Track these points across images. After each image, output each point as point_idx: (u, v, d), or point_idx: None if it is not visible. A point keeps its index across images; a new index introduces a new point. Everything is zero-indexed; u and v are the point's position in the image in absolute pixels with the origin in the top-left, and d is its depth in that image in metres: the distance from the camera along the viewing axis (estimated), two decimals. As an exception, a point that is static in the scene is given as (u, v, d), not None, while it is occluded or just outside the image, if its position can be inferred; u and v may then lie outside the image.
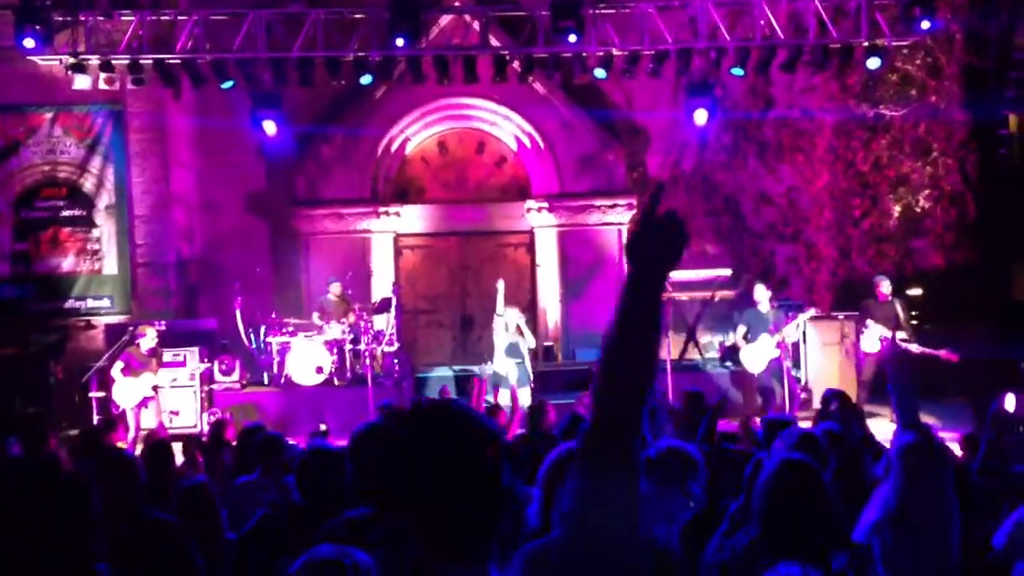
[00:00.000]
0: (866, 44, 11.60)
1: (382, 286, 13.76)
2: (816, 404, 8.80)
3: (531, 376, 10.79)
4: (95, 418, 10.45)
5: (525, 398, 9.80)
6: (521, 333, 10.87)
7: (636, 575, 1.61)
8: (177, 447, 7.09)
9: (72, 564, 2.68)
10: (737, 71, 11.87)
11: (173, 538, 3.41)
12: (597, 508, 1.60)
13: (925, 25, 11.14)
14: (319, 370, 11.53)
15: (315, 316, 12.03)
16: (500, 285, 11.14)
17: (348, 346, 11.85)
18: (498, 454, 1.57)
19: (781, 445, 4.18)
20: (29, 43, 10.93)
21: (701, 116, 11.97)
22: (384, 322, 12.44)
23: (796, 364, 11.47)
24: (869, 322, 10.69)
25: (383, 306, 12.47)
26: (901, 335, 10.30)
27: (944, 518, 3.34)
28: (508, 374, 10.56)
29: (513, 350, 10.75)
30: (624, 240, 14.46)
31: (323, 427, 8.58)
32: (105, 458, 4.31)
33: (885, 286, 10.91)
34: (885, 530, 3.27)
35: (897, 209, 14.12)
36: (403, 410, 1.65)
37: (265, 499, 4.23)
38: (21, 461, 6.01)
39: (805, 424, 5.56)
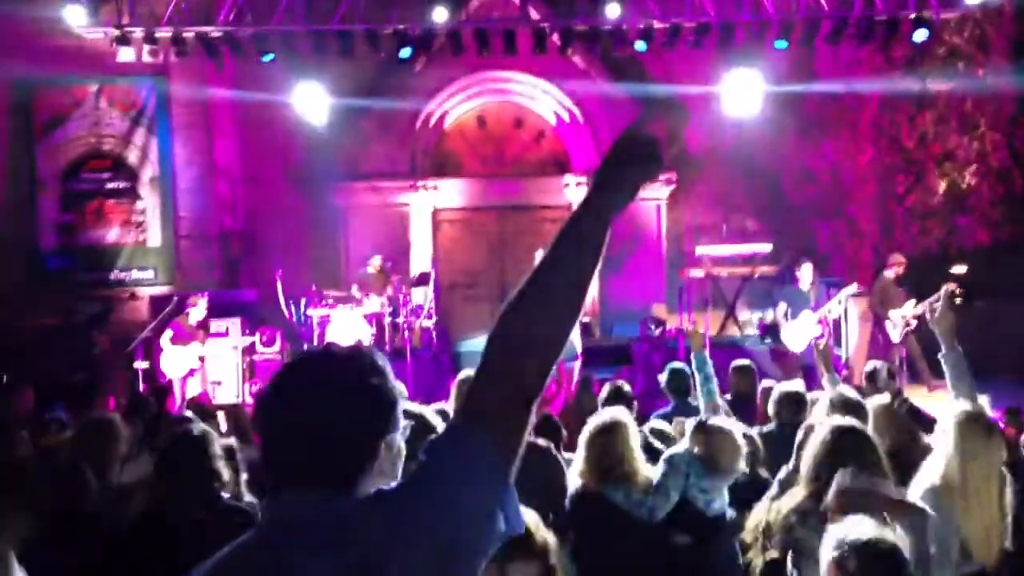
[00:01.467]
0: (913, 16, 11.39)
1: (420, 260, 13.80)
2: (856, 380, 8.73)
3: (578, 351, 10.68)
4: (141, 387, 10.61)
5: (573, 372, 9.80)
6: None
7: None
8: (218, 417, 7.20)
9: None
10: (780, 44, 11.71)
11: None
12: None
13: (973, 1, 10.92)
14: (358, 343, 11.59)
15: (354, 288, 12.11)
16: (540, 255, 11.06)
17: (387, 319, 11.92)
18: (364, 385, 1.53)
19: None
20: (74, 16, 11.07)
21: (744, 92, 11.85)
22: (422, 296, 12.50)
23: (837, 341, 11.36)
24: (891, 312, 10.66)
25: (422, 280, 12.53)
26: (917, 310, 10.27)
27: (995, 490, 3.31)
28: None
29: None
30: (657, 213, 14.39)
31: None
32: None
33: (899, 267, 10.92)
34: (935, 500, 3.25)
35: (942, 185, 13.87)
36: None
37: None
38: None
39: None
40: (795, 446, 3.64)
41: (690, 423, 4.36)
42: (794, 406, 5.03)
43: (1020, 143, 13.68)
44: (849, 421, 3.23)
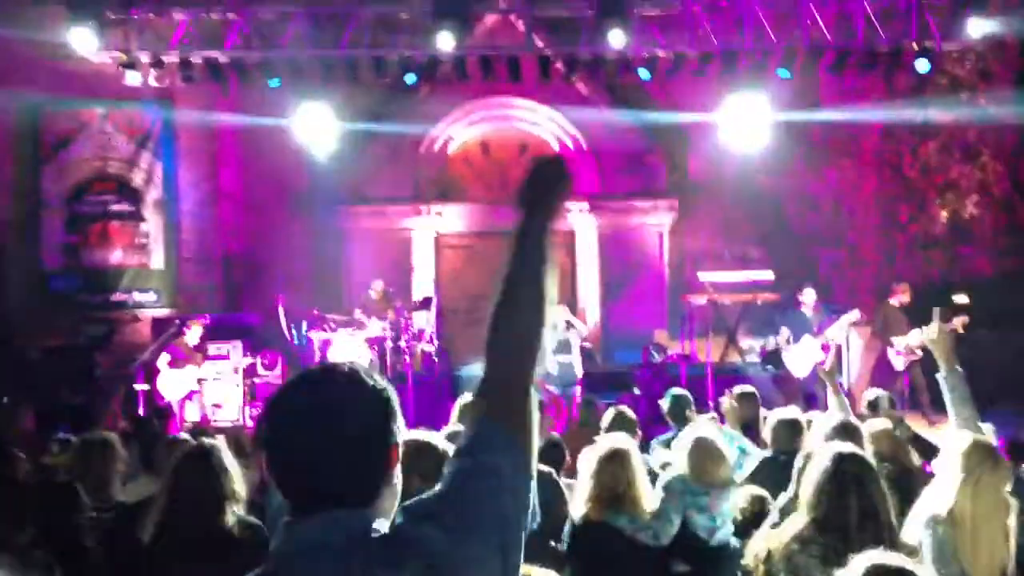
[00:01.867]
0: (915, 47, 11.46)
1: (423, 284, 13.82)
2: (857, 408, 8.71)
3: (579, 376, 10.68)
4: (140, 410, 10.59)
5: (575, 397, 9.81)
6: (570, 326, 10.79)
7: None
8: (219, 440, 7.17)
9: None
10: (783, 72, 11.78)
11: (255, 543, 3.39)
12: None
13: (976, 33, 10.98)
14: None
15: (357, 312, 12.12)
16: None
17: (389, 343, 11.92)
18: (371, 409, 1.57)
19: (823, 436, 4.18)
20: (81, 40, 11.15)
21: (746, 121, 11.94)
22: (424, 320, 12.50)
23: (839, 368, 11.35)
24: (894, 340, 10.66)
25: (424, 304, 12.54)
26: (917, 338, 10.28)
27: (1002, 519, 3.29)
28: (557, 372, 10.52)
29: (563, 347, 10.68)
30: (660, 240, 14.40)
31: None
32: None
33: (904, 296, 10.93)
34: (939, 527, 3.23)
35: (945, 214, 13.90)
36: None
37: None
38: None
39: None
40: (795, 472, 3.62)
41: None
42: (791, 432, 5.01)
43: (1022, 173, 13.71)
44: (850, 447, 3.22)
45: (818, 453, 3.17)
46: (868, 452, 3.74)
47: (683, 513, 4.05)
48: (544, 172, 1.84)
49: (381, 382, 1.62)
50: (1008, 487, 3.34)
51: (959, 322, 9.45)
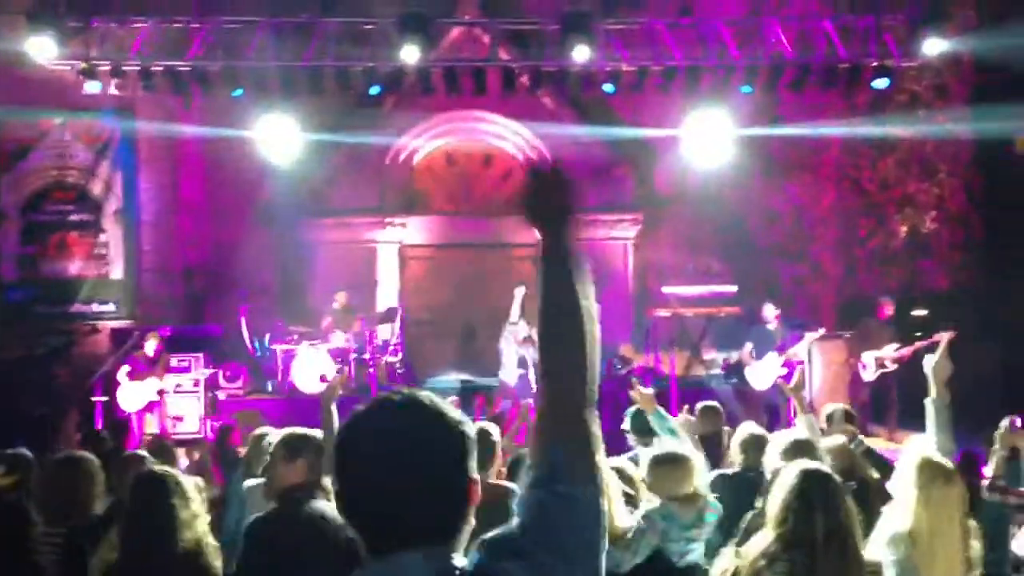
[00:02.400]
0: (874, 64, 11.66)
1: (387, 296, 13.76)
2: (821, 423, 8.80)
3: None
4: (98, 422, 10.43)
5: (530, 409, 9.78)
6: (532, 343, 10.79)
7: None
8: (179, 452, 7.09)
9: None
10: (746, 89, 11.92)
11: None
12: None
13: (932, 51, 11.21)
14: (323, 378, 11.51)
15: (324, 323, 12.05)
16: (519, 292, 10.94)
17: (353, 355, 11.85)
18: (452, 443, 1.54)
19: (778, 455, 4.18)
20: (40, 48, 11.00)
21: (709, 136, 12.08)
22: (388, 332, 12.45)
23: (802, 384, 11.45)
24: (864, 354, 10.80)
25: (388, 316, 12.49)
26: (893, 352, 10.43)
27: (958, 536, 3.34)
28: (516, 385, 10.54)
29: (522, 362, 10.70)
30: (624, 253, 14.45)
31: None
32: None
33: (889, 308, 11.05)
34: (900, 545, 3.26)
35: (903, 229, 14.12)
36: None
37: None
38: None
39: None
40: (760, 489, 3.64)
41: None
42: (758, 449, 5.02)
43: (978, 188, 13.98)
44: (815, 465, 3.25)
45: (785, 470, 3.20)
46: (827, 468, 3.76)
47: (660, 543, 3.89)
48: (545, 182, 1.74)
49: (459, 415, 1.58)
50: (962, 504, 3.38)
51: (947, 336, 9.58)
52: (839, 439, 4.98)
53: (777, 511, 3.03)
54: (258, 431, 5.41)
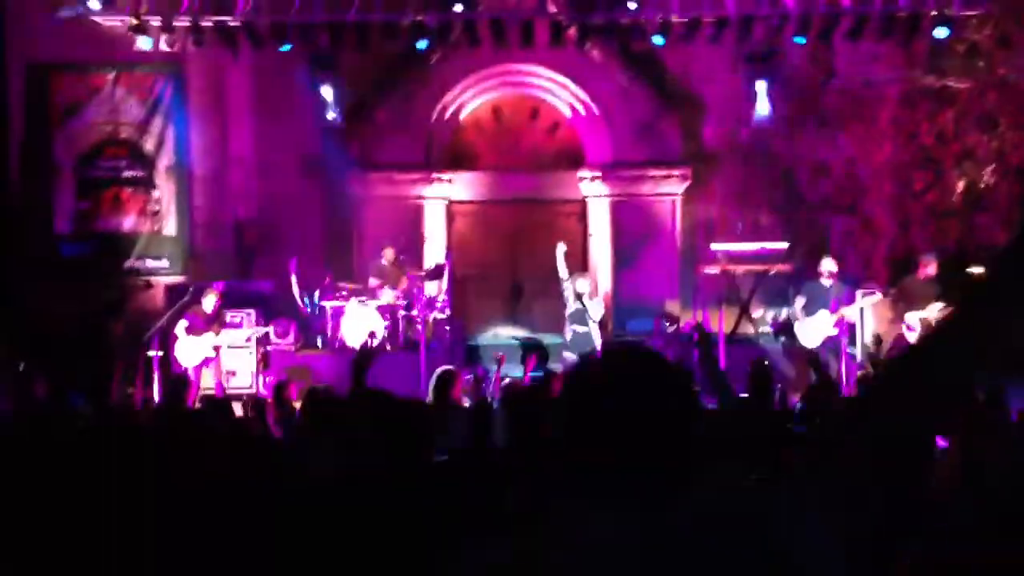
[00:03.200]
0: (934, 13, 11.32)
1: (435, 252, 13.80)
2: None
3: (596, 346, 10.58)
4: (156, 377, 10.64)
5: None
6: (587, 298, 10.68)
7: None
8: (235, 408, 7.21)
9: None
10: (799, 39, 11.66)
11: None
12: None
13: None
14: (372, 335, 11.62)
15: (371, 280, 12.13)
16: (560, 250, 10.88)
17: (401, 312, 11.92)
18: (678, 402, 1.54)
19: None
20: (93, 3, 11.09)
21: (761, 88, 11.83)
22: (436, 288, 12.49)
23: (852, 341, 11.31)
24: (907, 316, 10.55)
25: (436, 272, 12.52)
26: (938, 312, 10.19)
27: None
28: (572, 340, 10.50)
29: (578, 317, 10.63)
30: (672, 209, 14.29)
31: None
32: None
33: (931, 266, 10.76)
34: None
35: (961, 184, 13.77)
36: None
37: (328, 458, 4.28)
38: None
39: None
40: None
41: None
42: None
43: (1040, 142, 13.57)
44: None
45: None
46: None
47: None
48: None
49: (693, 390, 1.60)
50: None
51: None
52: None
53: None
54: (315, 388, 5.47)
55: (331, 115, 12.46)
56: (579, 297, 10.60)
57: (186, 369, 10.41)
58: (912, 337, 10.62)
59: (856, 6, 11.38)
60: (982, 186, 13.68)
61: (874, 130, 13.84)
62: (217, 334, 10.64)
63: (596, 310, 10.71)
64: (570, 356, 10.33)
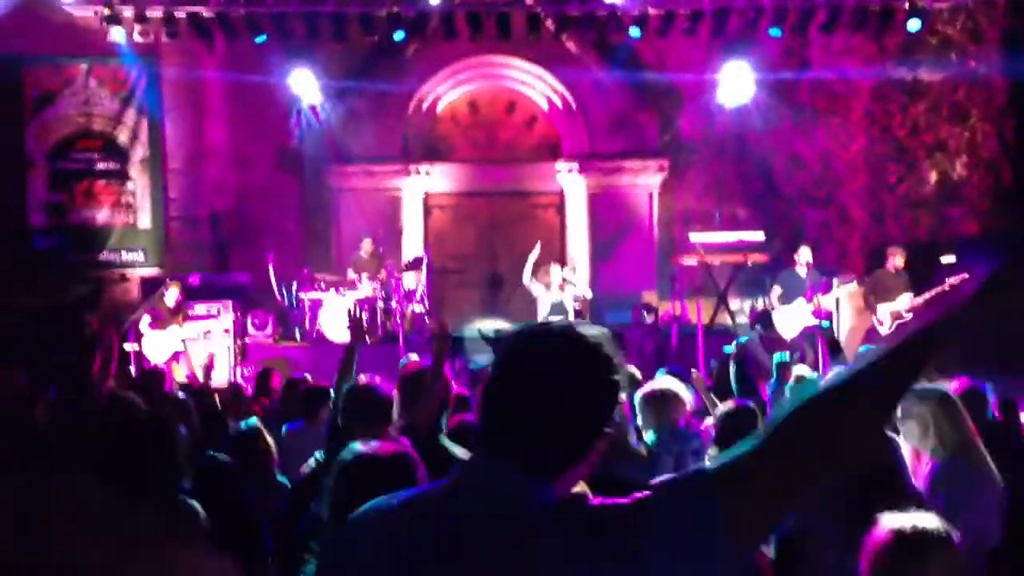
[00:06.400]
0: (907, 6, 11.44)
1: (412, 244, 13.77)
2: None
3: None
4: (131, 370, 10.56)
5: None
6: (563, 287, 10.78)
7: None
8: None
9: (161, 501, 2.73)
10: (774, 31, 11.74)
11: (229, 479, 3.47)
12: None
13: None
14: (351, 325, 11.57)
15: (349, 272, 12.09)
16: (534, 252, 10.96)
17: (380, 304, 11.90)
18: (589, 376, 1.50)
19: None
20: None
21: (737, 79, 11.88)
22: (414, 280, 12.47)
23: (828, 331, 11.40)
24: (879, 308, 10.68)
25: (414, 264, 12.50)
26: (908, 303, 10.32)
27: None
28: None
29: (557, 308, 10.69)
30: (649, 201, 14.36)
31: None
32: (162, 399, 4.38)
33: (899, 259, 10.87)
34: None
35: (933, 175, 13.94)
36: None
37: (311, 447, 4.29)
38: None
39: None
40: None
41: None
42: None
43: (1010, 134, 13.74)
44: None
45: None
46: None
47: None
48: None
49: (617, 367, 1.52)
50: None
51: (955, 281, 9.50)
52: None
53: None
54: (294, 377, 5.47)
55: (307, 107, 12.41)
56: (556, 287, 10.69)
57: (156, 364, 10.33)
58: (883, 331, 10.74)
59: (830, -1, 11.50)
60: (955, 177, 13.85)
61: (848, 122, 13.97)
62: (181, 326, 10.60)
63: (581, 287, 10.89)
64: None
